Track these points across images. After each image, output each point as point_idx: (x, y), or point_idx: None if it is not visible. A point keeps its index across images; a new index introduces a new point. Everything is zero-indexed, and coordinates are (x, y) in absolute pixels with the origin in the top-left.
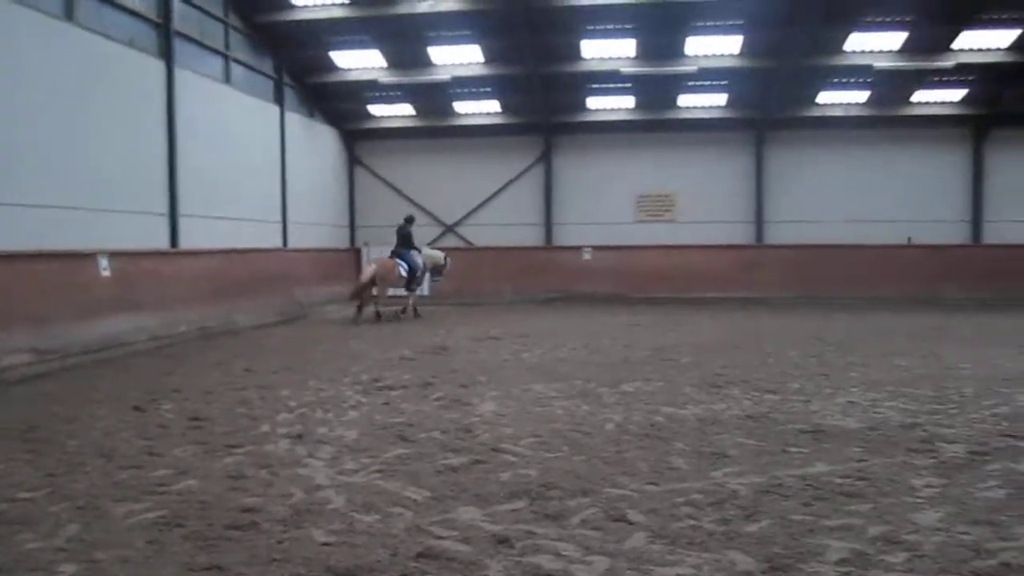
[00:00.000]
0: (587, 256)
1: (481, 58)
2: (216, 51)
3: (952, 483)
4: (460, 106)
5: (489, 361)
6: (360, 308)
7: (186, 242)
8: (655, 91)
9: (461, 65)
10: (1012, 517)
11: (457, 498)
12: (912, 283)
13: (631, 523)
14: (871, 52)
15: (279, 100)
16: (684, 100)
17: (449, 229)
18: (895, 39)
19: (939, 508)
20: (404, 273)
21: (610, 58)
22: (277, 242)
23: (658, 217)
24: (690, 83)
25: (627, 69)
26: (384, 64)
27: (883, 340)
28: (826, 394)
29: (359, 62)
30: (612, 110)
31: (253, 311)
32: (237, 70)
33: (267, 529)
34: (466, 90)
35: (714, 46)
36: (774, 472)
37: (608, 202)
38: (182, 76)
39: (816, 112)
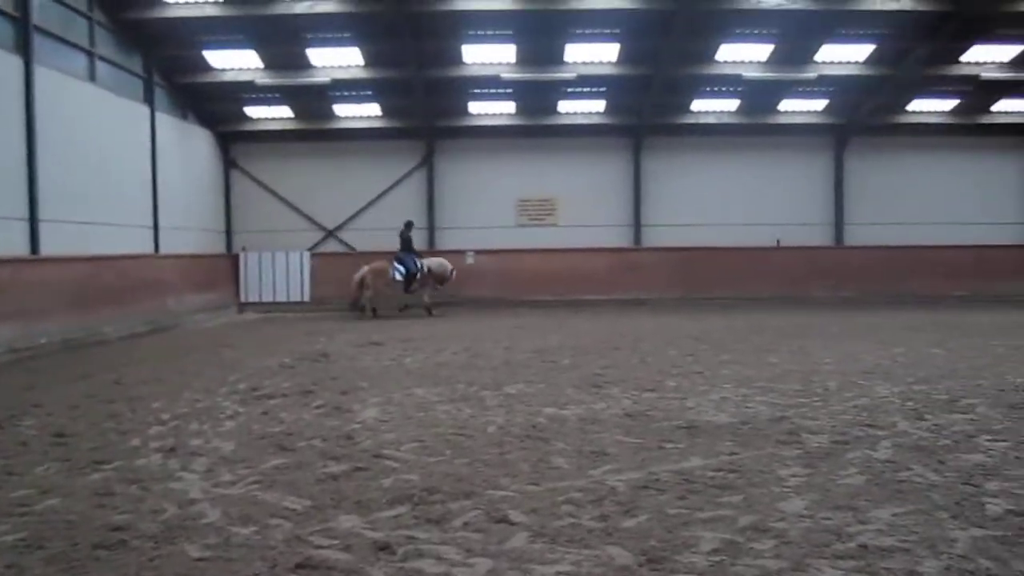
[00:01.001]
0: (470, 260)
1: (361, 61)
2: (80, 48)
3: (816, 472)
4: (340, 109)
5: (371, 367)
6: (359, 307)
7: (48, 249)
8: (535, 97)
9: (341, 68)
10: (869, 502)
11: (338, 506)
12: (782, 283)
13: (513, 523)
14: (741, 63)
15: (149, 100)
16: (564, 106)
17: (330, 234)
18: (762, 51)
19: (804, 496)
20: (399, 276)
21: (491, 63)
22: (148, 248)
23: (540, 221)
24: (569, 89)
25: (507, 75)
26: (260, 65)
27: (755, 338)
28: (701, 391)
29: (234, 62)
30: (493, 115)
31: (122, 321)
32: (103, 68)
33: (137, 547)
34: (346, 93)
35: (592, 54)
36: (651, 468)
37: (490, 206)
38: (42, 74)
39: (690, 119)
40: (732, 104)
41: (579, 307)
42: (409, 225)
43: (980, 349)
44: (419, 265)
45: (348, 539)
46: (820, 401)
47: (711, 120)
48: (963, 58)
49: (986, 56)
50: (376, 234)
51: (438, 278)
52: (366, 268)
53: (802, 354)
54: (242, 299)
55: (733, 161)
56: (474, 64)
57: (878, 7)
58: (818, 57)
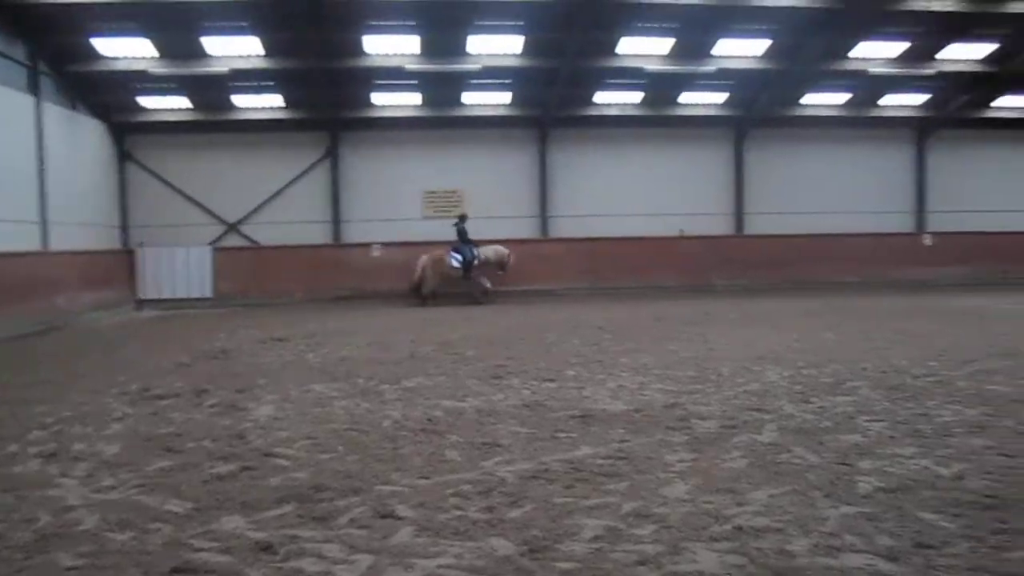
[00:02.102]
0: (376, 253)
1: (261, 51)
2: None
3: (702, 456)
4: (240, 100)
5: (271, 363)
6: (420, 295)
7: None
8: (440, 88)
9: (239, 57)
10: (750, 484)
11: (221, 507)
12: (686, 272)
13: (399, 518)
14: (643, 56)
15: (34, 90)
16: (469, 98)
17: (232, 228)
18: (664, 44)
19: (688, 481)
20: (456, 264)
21: (394, 54)
22: (35, 245)
23: (447, 213)
24: (474, 81)
25: (411, 66)
26: (155, 54)
27: (657, 327)
28: (599, 380)
29: (126, 50)
30: (398, 106)
31: (7, 322)
32: None
33: (6, 558)
34: (246, 83)
35: (497, 45)
36: (542, 458)
37: (397, 199)
38: None
39: (595, 111)
40: (635, 96)
41: (445, 299)
42: (463, 218)
43: (869, 333)
44: (475, 254)
45: (229, 541)
46: (713, 387)
47: (615, 112)
48: (853, 53)
49: (874, 52)
50: (281, 228)
51: (497, 265)
52: (426, 257)
53: (700, 341)
54: (140, 296)
55: (637, 152)
56: (377, 55)
57: (772, 3)
58: (717, 51)
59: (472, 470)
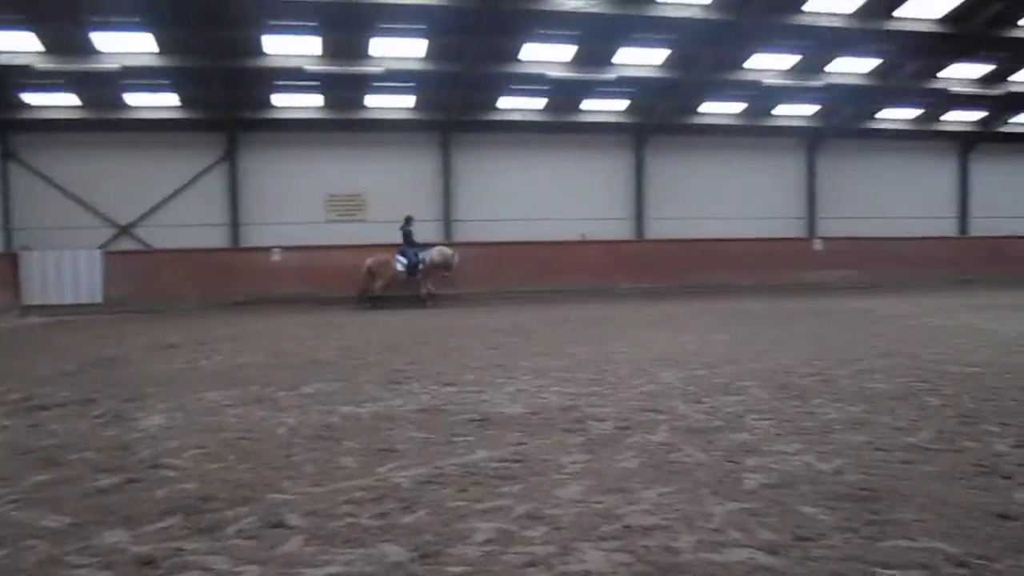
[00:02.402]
0: (277, 257)
1: (155, 47)
2: None
3: (596, 457)
4: (133, 98)
5: (162, 371)
6: (368, 299)
7: None
8: (343, 90)
9: (132, 54)
10: (640, 483)
11: (103, 522)
12: (589, 276)
13: (289, 528)
14: (545, 62)
15: None
16: (372, 100)
17: (124, 230)
18: (566, 51)
19: (581, 482)
20: (401, 267)
21: (295, 55)
22: None
23: (349, 216)
24: (377, 84)
25: (312, 67)
26: (40, 48)
27: (559, 330)
28: (499, 384)
29: (8, 44)
30: (300, 108)
31: None
32: None
33: None
34: (139, 81)
35: (400, 49)
36: (438, 462)
37: (298, 202)
38: None
39: (498, 116)
40: (538, 102)
41: (389, 303)
42: (409, 220)
43: (760, 335)
44: (419, 256)
45: (110, 556)
46: (610, 389)
47: (518, 118)
48: (747, 64)
49: (768, 64)
50: (177, 231)
51: (442, 266)
52: (371, 259)
53: (600, 344)
54: (24, 302)
55: (541, 158)
56: (277, 55)
57: (670, 14)
58: (618, 59)
59: (366, 476)
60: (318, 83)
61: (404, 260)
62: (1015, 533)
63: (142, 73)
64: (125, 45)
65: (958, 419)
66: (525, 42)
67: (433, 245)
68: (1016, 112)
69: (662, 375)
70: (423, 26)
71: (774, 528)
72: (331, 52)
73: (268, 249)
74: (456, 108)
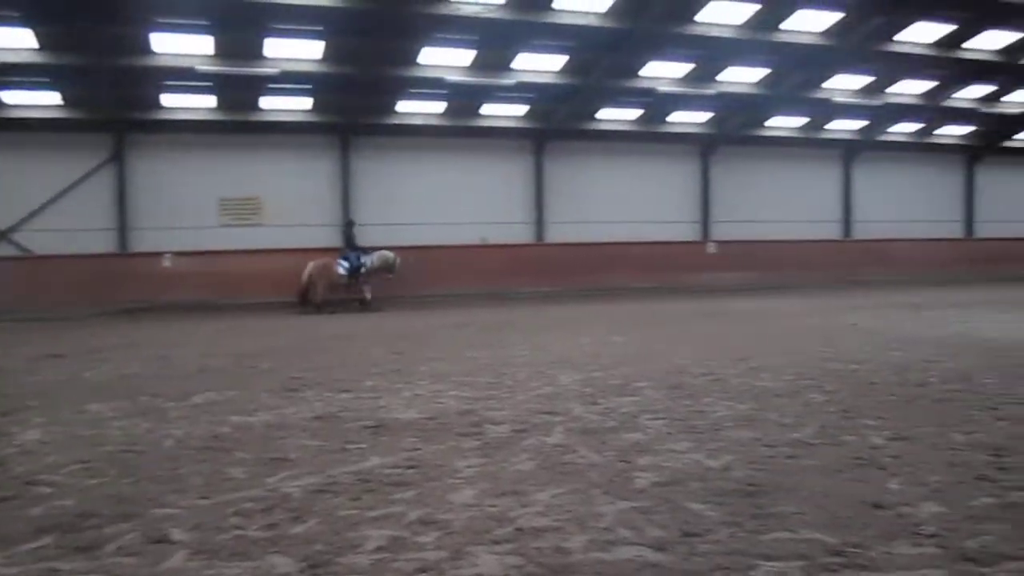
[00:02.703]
0: (168, 263)
1: (35, 44)
2: None
3: (491, 461)
4: (10, 96)
5: (43, 383)
6: (309, 303)
7: None
8: (237, 92)
9: (9, 50)
10: (534, 486)
11: None
12: (489, 279)
13: (173, 543)
14: (444, 67)
15: None
16: (268, 102)
17: (2, 236)
18: (465, 56)
19: (475, 486)
20: (343, 271)
21: (185, 54)
22: None
23: (244, 221)
24: (273, 85)
25: (204, 67)
26: None
27: (458, 334)
28: (396, 389)
29: None
30: (191, 109)
31: None
32: None
33: None
34: (17, 79)
35: (296, 50)
36: (330, 471)
37: (192, 206)
38: None
39: (397, 120)
40: (438, 106)
41: (288, 309)
42: (350, 224)
43: (656, 336)
44: (361, 260)
45: None
46: (508, 392)
47: (418, 121)
48: (643, 72)
49: (663, 72)
50: (60, 235)
51: (384, 269)
52: (312, 264)
53: (500, 348)
54: None
55: (441, 162)
56: (166, 54)
57: (567, 21)
58: (517, 65)
59: (256, 487)
60: (210, 84)
61: (346, 264)
62: (887, 521)
63: (21, 70)
64: (2, 41)
65: (839, 414)
66: (424, 46)
67: (375, 249)
68: (894, 122)
69: (560, 377)
70: (319, 27)
71: (662, 525)
72: (224, 52)
73: (159, 254)
74: (354, 111)
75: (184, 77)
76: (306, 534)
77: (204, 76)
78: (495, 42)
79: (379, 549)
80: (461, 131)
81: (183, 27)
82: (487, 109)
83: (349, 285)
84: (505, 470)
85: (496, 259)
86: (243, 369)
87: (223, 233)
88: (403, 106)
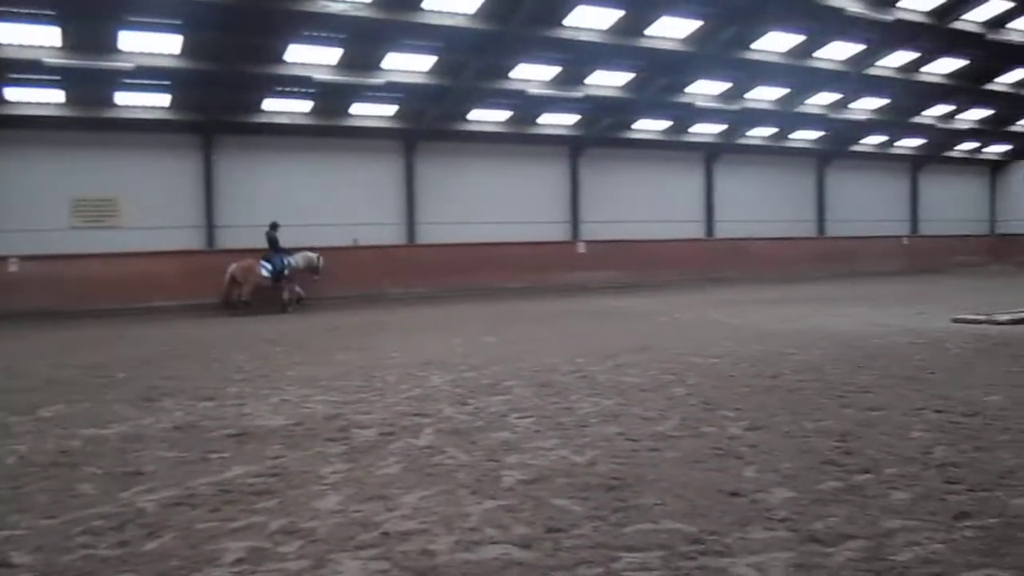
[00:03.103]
0: (14, 268)
1: None
2: None
3: (357, 466)
4: None
5: None
6: (230, 304)
7: None
8: (89, 86)
9: None
10: (401, 489)
11: None
12: (361, 281)
13: (13, 566)
14: (311, 65)
15: None
16: (122, 98)
17: None
18: (332, 54)
19: (340, 491)
20: (266, 273)
21: (31, 46)
22: None
23: (99, 223)
24: (128, 81)
25: (52, 60)
26: None
27: (328, 338)
28: (262, 395)
29: None
30: (38, 104)
31: None
32: None
33: None
34: None
35: (152, 44)
36: (189, 482)
37: (43, 207)
38: None
39: (264, 119)
40: (305, 105)
41: (147, 315)
42: (274, 226)
43: (527, 335)
44: (285, 262)
45: None
46: (377, 395)
47: (284, 120)
48: (513, 74)
49: (532, 74)
50: None
51: (310, 270)
52: (234, 266)
53: (370, 350)
54: None
55: (310, 162)
56: (10, 45)
57: (436, 21)
58: (386, 64)
59: (108, 503)
60: (59, 78)
61: (269, 266)
62: (742, 508)
63: None
64: None
65: (700, 407)
66: (290, 43)
67: (298, 250)
68: (751, 126)
69: (430, 379)
70: (176, 21)
71: (528, 522)
72: (73, 44)
73: (4, 259)
74: (217, 109)
75: (30, 70)
76: (160, 550)
77: (52, 69)
78: (363, 41)
79: (238, 562)
80: (330, 130)
81: (28, 16)
82: (356, 109)
83: (273, 287)
84: (372, 474)
85: (368, 260)
86: (97, 379)
87: (74, 235)
88: (269, 104)
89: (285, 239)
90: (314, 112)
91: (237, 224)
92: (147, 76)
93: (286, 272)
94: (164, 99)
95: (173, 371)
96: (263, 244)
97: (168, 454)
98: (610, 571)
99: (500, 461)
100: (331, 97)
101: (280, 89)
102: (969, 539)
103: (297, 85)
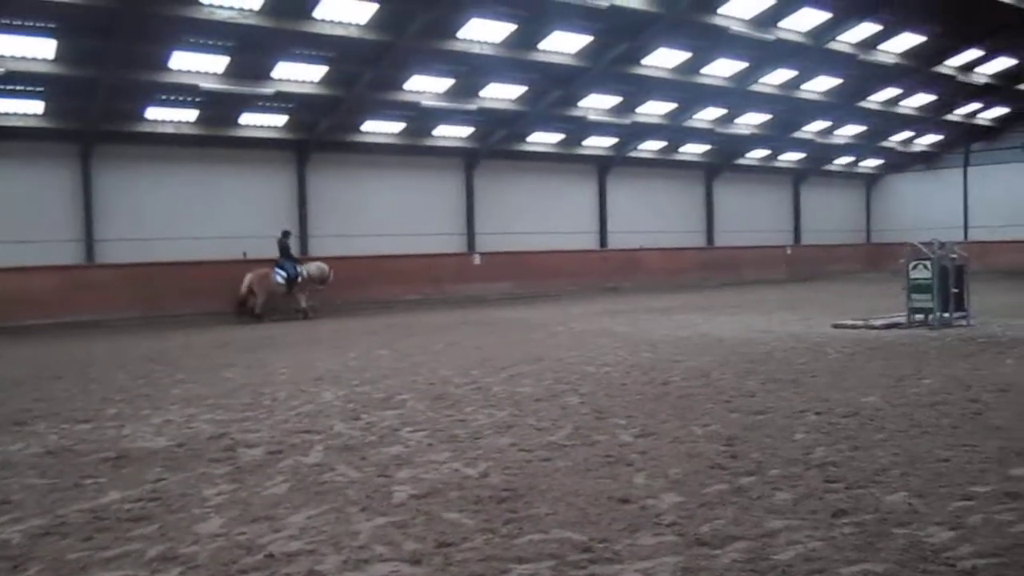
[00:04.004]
0: None
1: None
2: None
3: (242, 487)
4: None
5: None
6: (242, 311)
7: None
8: None
9: None
10: (288, 509)
11: None
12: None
13: None
14: (197, 73)
15: None
16: None
17: None
18: (219, 62)
19: (224, 514)
20: (281, 280)
21: None
22: None
23: None
24: None
25: None
26: None
27: (215, 354)
28: (143, 415)
29: None
30: None
31: None
32: None
33: None
34: None
35: (24, 48)
36: (60, 510)
37: None
38: None
39: (147, 128)
40: (191, 114)
41: (18, 333)
42: (286, 234)
43: (423, 348)
44: (298, 270)
45: None
46: (266, 413)
47: (169, 130)
48: (407, 86)
49: (425, 86)
50: None
51: (318, 280)
52: (251, 275)
53: (259, 367)
54: None
55: (196, 173)
56: None
57: (327, 31)
58: (276, 74)
59: None
60: None
61: (283, 273)
62: (632, 514)
63: None
64: None
65: (592, 415)
66: (174, 50)
67: (310, 260)
68: (642, 139)
69: (322, 394)
70: (51, 24)
71: (419, 538)
72: None
73: None
74: (96, 117)
75: None
76: None
77: None
78: (252, 49)
79: None
80: (218, 141)
81: None
82: (246, 119)
83: (287, 294)
84: (258, 495)
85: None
86: None
87: None
88: (152, 113)
89: (169, 253)
90: (200, 121)
91: (119, 237)
92: (19, 82)
93: (299, 280)
94: (38, 106)
95: (47, 392)
96: (148, 258)
97: (38, 481)
98: None
99: (391, 476)
100: (218, 106)
101: (164, 97)
102: (847, 536)
103: (182, 93)
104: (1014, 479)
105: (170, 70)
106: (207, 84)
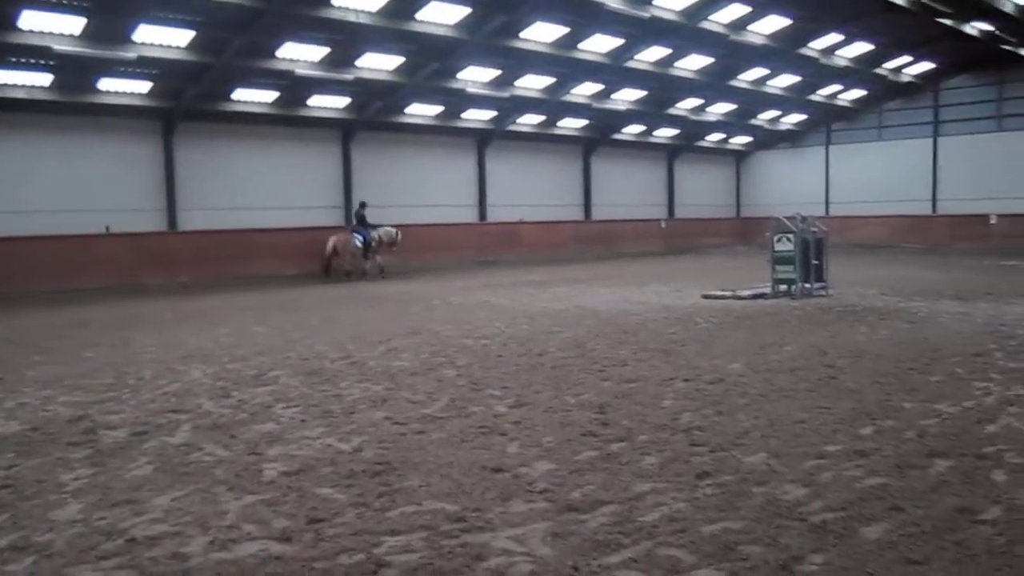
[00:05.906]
0: None
1: None
2: None
3: (103, 470)
4: None
5: None
6: (328, 271)
7: None
8: None
9: None
10: (152, 491)
11: None
12: (113, 272)
13: None
14: (50, 34)
15: None
16: None
17: None
18: (75, 23)
19: (82, 499)
20: (360, 244)
21: None
22: None
23: None
24: None
25: None
26: None
27: (76, 333)
28: None
29: None
30: None
31: None
32: None
33: None
34: None
35: None
36: None
37: None
38: None
39: None
40: (44, 79)
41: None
42: (363, 205)
43: (298, 324)
44: (372, 235)
45: None
46: (130, 392)
47: (20, 95)
48: (279, 53)
49: (300, 54)
50: None
51: (388, 243)
52: (334, 238)
53: (123, 346)
54: None
55: (52, 142)
56: None
57: None
58: (138, 37)
59: None
60: None
61: (361, 238)
62: (504, 483)
63: None
64: None
65: (468, 387)
66: (24, 8)
67: (380, 226)
68: (521, 113)
69: (191, 372)
70: None
71: (289, 515)
72: None
73: None
74: None
75: None
76: None
77: None
78: (110, 10)
79: None
80: (75, 108)
81: None
82: (105, 84)
83: (364, 257)
84: (119, 478)
85: (121, 249)
86: None
87: None
88: (2, 77)
89: (24, 228)
90: (55, 87)
91: None
92: None
93: (372, 244)
94: None
95: None
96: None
97: None
98: (372, 557)
99: (262, 454)
100: (75, 71)
101: (13, 60)
102: (709, 496)
103: (34, 56)
104: (863, 438)
105: (20, 30)
106: (62, 47)
